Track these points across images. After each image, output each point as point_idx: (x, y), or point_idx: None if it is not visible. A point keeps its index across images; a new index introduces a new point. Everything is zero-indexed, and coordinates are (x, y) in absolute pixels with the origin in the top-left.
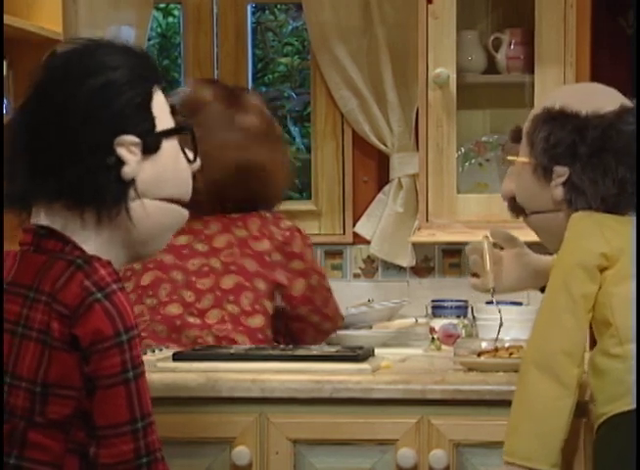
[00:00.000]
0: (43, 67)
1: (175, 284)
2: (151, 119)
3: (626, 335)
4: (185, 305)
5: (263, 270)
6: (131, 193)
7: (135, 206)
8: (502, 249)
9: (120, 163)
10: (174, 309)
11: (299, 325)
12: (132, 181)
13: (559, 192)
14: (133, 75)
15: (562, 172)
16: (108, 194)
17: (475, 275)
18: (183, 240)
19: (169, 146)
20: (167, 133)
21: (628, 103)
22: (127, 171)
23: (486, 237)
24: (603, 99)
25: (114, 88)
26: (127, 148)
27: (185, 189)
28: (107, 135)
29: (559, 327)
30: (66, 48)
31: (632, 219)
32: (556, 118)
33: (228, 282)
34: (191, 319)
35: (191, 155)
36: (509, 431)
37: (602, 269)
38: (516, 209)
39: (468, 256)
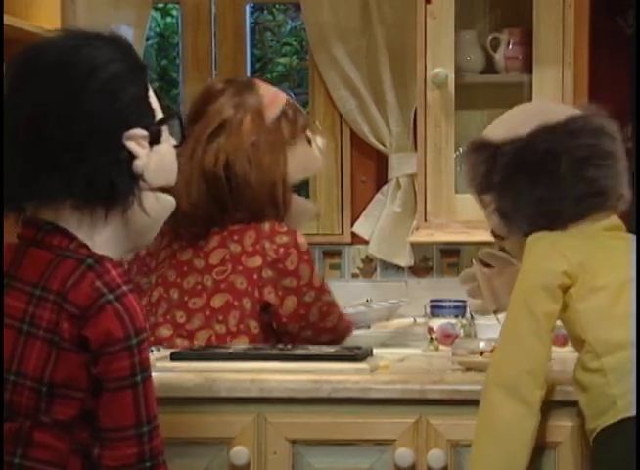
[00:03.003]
0: (32, 60)
1: (171, 303)
2: (151, 110)
3: (601, 349)
4: (176, 326)
5: (251, 288)
6: (141, 185)
7: (145, 198)
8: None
9: (130, 157)
10: (166, 331)
11: (289, 340)
12: (141, 174)
13: (495, 219)
14: (130, 68)
15: (488, 200)
16: (121, 189)
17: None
18: (187, 256)
19: (165, 134)
20: (164, 121)
21: (559, 117)
22: (139, 165)
23: (476, 263)
24: (525, 122)
25: (117, 83)
26: (137, 141)
27: (175, 175)
28: (116, 131)
29: (522, 347)
30: (51, 40)
31: (588, 231)
32: (474, 150)
33: (218, 301)
34: (179, 341)
35: (175, 141)
36: (474, 454)
37: (565, 288)
38: (497, 235)
39: (462, 284)
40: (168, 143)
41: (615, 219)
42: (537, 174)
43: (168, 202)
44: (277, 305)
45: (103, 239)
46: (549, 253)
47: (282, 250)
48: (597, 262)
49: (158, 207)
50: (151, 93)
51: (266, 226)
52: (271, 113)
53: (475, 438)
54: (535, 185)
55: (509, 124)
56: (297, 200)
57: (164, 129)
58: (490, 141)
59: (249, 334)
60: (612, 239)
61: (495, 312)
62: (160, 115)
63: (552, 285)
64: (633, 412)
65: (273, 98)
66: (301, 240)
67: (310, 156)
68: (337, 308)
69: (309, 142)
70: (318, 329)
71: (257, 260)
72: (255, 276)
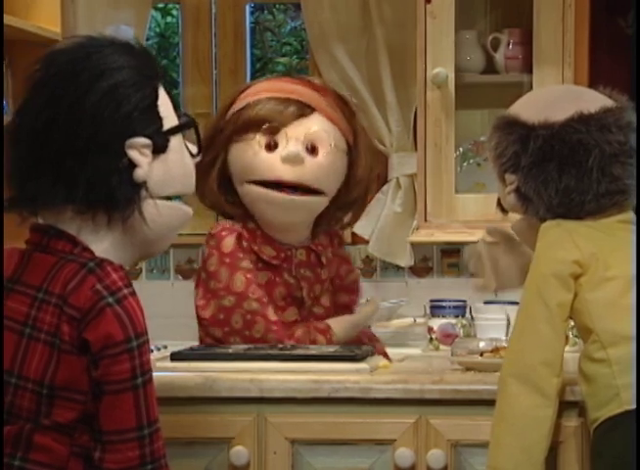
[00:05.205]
0: (45, 65)
1: None
2: (159, 119)
3: (607, 339)
4: None
5: (192, 291)
6: (143, 194)
7: (146, 207)
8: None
9: (132, 165)
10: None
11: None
12: (144, 182)
13: (512, 198)
14: (139, 76)
15: (511, 180)
16: (120, 197)
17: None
18: None
19: (175, 143)
20: (174, 131)
21: (592, 108)
22: (140, 174)
23: (482, 239)
24: (558, 107)
25: (122, 91)
26: (139, 150)
27: (190, 183)
28: (117, 138)
29: (536, 337)
30: (66, 46)
31: (602, 222)
32: (504, 128)
33: None
34: None
35: (194, 149)
36: (492, 445)
37: (576, 277)
38: (503, 208)
39: (467, 260)
40: (177, 151)
41: (630, 214)
42: (566, 164)
43: (181, 211)
44: (201, 307)
45: (105, 246)
46: (562, 241)
47: (207, 251)
48: (609, 254)
49: (160, 217)
50: (162, 102)
51: (212, 227)
52: (231, 111)
53: (492, 429)
54: (562, 175)
55: (542, 106)
56: (259, 192)
57: (177, 138)
58: (524, 122)
59: (197, 339)
60: (625, 231)
61: (496, 290)
62: (171, 123)
63: (564, 274)
64: (634, 405)
65: (248, 93)
66: (227, 242)
67: (252, 160)
68: (264, 319)
69: (266, 146)
70: (245, 338)
71: (200, 262)
72: (194, 278)
